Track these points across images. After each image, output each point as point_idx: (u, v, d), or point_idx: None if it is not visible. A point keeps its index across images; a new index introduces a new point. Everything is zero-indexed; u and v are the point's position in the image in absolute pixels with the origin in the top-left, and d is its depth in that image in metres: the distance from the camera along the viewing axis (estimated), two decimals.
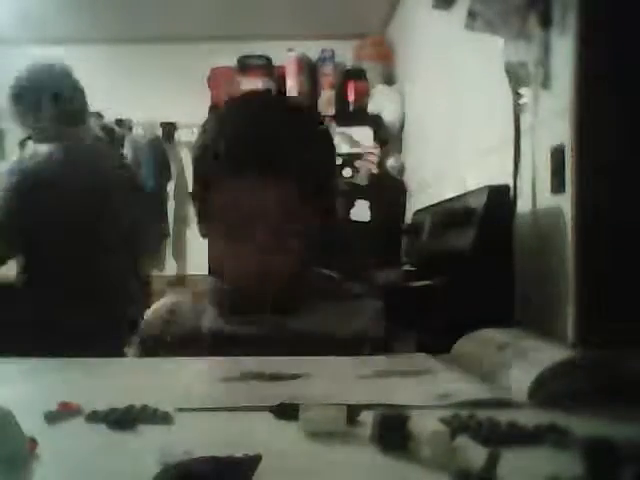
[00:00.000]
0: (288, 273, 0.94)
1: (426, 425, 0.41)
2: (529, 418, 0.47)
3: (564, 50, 1.57)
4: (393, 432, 0.41)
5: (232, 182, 0.91)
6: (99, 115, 4.17)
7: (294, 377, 0.68)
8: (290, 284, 0.95)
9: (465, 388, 0.57)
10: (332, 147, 1.04)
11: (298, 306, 0.97)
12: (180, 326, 0.99)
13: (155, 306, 1.05)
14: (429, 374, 0.66)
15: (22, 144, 3.76)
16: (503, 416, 0.47)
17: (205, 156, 0.95)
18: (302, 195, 0.91)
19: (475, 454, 0.40)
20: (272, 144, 0.91)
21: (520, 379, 0.52)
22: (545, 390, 0.51)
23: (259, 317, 0.95)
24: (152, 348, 0.99)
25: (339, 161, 3.65)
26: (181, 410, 0.55)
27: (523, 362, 0.55)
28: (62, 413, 0.54)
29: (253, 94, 1.12)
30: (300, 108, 1.06)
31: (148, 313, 1.04)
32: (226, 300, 0.99)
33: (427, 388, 0.59)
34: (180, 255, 4.38)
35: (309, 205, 0.93)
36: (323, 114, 3.80)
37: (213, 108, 3.96)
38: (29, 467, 0.43)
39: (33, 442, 0.45)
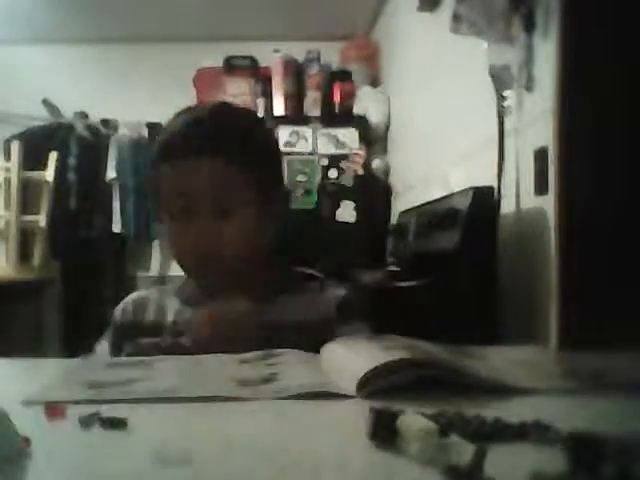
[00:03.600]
0: (233, 255, 0.98)
1: (414, 422, 0.43)
2: (514, 415, 0.49)
3: (547, 53, 1.59)
4: (385, 428, 0.42)
5: (170, 166, 0.99)
6: (84, 115, 4.16)
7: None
8: (244, 269, 1.00)
9: (307, 382, 0.63)
10: (270, 141, 1.13)
11: (258, 296, 1.00)
12: (148, 315, 1.06)
13: (125, 299, 1.11)
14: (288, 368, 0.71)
15: (6, 144, 3.74)
16: (489, 412, 0.49)
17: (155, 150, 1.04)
18: (238, 178, 0.98)
19: (462, 450, 0.41)
20: (204, 130, 0.99)
21: (352, 376, 0.61)
22: (370, 386, 0.59)
23: (216, 303, 0.99)
24: (124, 335, 1.05)
25: (325, 162, 3.67)
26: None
27: (358, 360, 0.65)
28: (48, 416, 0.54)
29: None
30: (242, 109, 1.13)
31: (120, 305, 1.10)
32: (188, 290, 1.06)
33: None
34: (164, 255, 4.37)
35: (249, 189, 0.99)
36: (309, 115, 3.82)
37: None
38: (23, 466, 0.43)
39: (26, 441, 0.46)
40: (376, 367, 0.60)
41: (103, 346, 1.07)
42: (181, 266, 1.04)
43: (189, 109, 1.07)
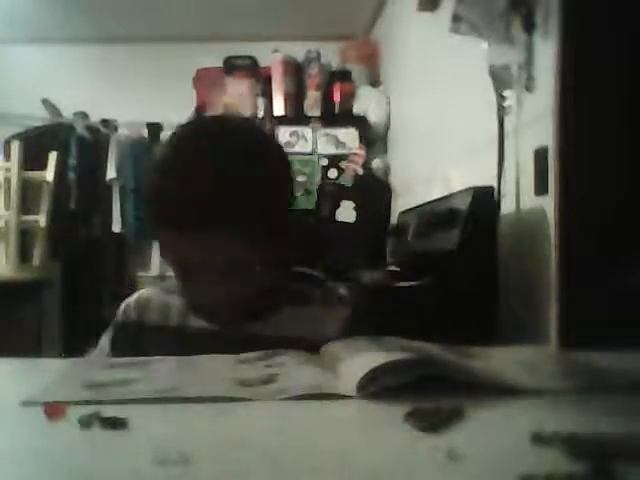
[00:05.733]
0: (248, 296, 0.94)
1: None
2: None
3: (547, 53, 1.59)
4: None
5: (168, 235, 0.91)
6: (84, 115, 4.16)
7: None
8: (257, 297, 0.95)
9: (307, 383, 0.64)
10: (279, 165, 0.96)
11: (269, 311, 0.97)
12: (152, 315, 1.04)
13: (131, 297, 1.08)
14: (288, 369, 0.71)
15: (6, 144, 3.74)
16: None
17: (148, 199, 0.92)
18: (243, 234, 0.88)
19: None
20: (193, 199, 0.86)
21: (352, 376, 0.62)
22: (370, 386, 0.60)
23: (225, 318, 0.97)
24: (129, 334, 1.03)
25: (325, 162, 3.67)
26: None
27: (358, 361, 0.66)
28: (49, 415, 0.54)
29: (187, 135, 0.94)
30: (235, 132, 0.95)
31: (126, 301, 1.08)
32: (194, 300, 1.01)
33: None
34: None
35: (256, 237, 0.89)
36: (309, 115, 3.82)
37: (198, 109, 3.96)
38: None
39: None
40: (376, 368, 0.61)
41: (104, 342, 1.05)
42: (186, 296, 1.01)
43: (180, 142, 0.91)
